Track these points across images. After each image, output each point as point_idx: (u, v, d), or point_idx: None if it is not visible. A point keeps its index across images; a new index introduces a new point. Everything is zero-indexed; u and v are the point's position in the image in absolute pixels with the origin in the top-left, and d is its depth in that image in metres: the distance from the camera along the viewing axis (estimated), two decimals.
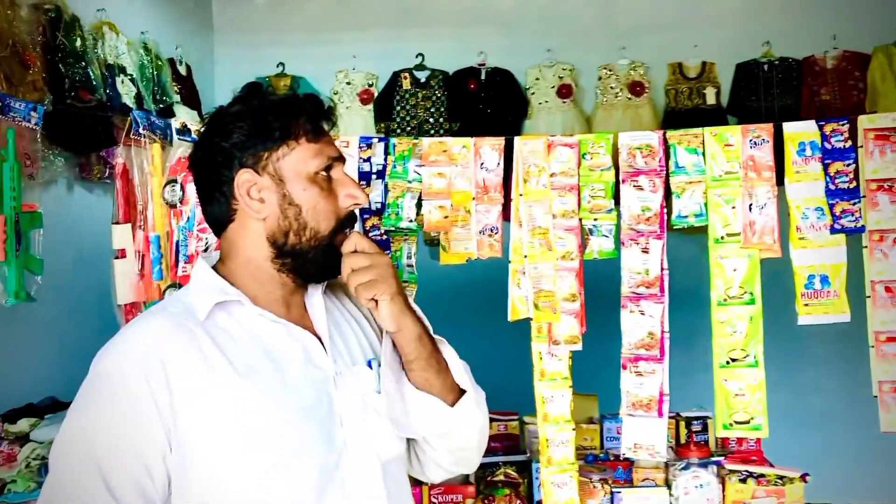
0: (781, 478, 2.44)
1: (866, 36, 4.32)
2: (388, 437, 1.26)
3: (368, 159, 2.22)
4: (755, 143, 2.13)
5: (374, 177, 2.22)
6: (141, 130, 2.01)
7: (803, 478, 2.44)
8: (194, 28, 4.68)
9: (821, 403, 4.48)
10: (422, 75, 4.63)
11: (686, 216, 2.14)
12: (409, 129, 4.55)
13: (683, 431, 2.64)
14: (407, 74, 4.62)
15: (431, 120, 4.57)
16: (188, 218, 2.00)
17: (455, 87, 4.61)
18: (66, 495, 1.10)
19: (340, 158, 1.28)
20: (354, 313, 1.37)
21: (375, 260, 1.23)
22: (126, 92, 3.52)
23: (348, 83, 4.67)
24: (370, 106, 4.65)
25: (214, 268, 1.27)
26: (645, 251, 2.12)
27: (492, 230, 2.20)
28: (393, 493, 1.25)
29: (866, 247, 2.10)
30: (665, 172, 2.15)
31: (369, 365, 1.29)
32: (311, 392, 1.20)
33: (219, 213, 1.26)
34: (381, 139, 2.25)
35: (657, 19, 4.63)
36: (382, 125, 4.60)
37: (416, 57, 4.63)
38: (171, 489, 1.13)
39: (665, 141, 2.16)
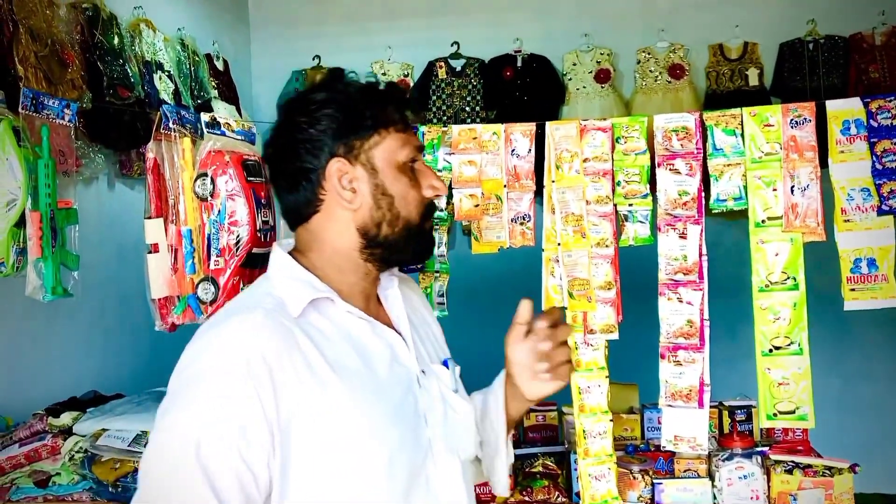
0: (829, 468, 2.36)
1: None
2: (467, 437, 1.28)
3: None
4: (797, 123, 2.05)
5: None
6: (171, 125, 2.01)
7: (852, 468, 2.36)
8: (231, 23, 4.70)
9: (871, 391, 4.35)
10: (457, 64, 4.60)
11: (725, 200, 2.08)
12: (445, 118, 4.52)
13: (727, 421, 2.57)
14: (442, 63, 4.59)
15: (468, 109, 4.54)
16: (219, 211, 1.99)
17: (491, 74, 4.57)
18: (170, 498, 1.05)
19: (422, 148, 1.30)
20: (422, 312, 1.39)
21: None
22: (164, 88, 3.55)
23: (384, 74, 4.65)
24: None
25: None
26: (682, 237, 2.06)
27: (524, 218, 2.16)
28: (468, 494, 1.26)
29: None
30: (702, 155, 2.09)
31: (445, 364, 1.30)
32: (398, 391, 1.19)
33: (302, 202, 1.23)
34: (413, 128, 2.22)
35: (696, 0, 4.53)
36: (420, 115, 4.58)
37: (451, 45, 4.60)
38: (270, 492, 1.10)
39: (702, 122, 2.09)
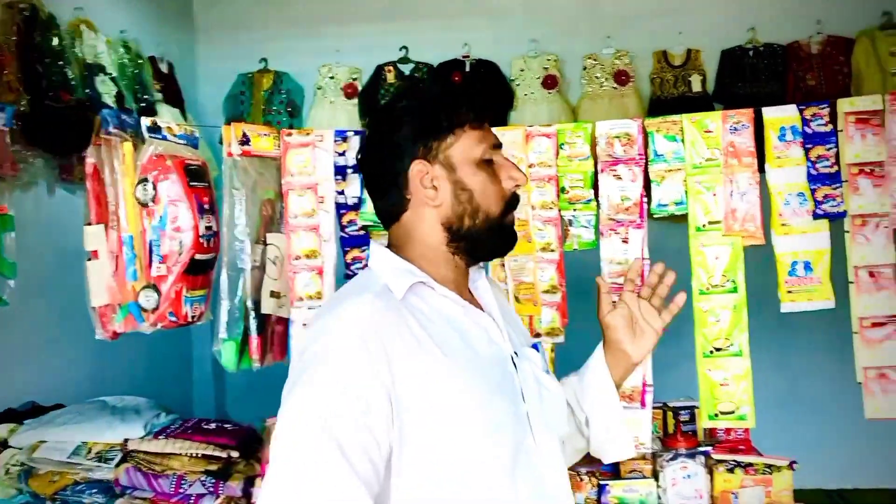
0: (769, 466, 2.42)
1: (850, 21, 4.30)
2: (560, 415, 1.38)
3: (344, 153, 2.19)
4: (735, 129, 2.10)
5: (349, 171, 2.19)
6: (111, 129, 1.97)
7: (791, 466, 2.42)
8: (175, 25, 4.64)
9: (810, 390, 4.47)
10: (406, 68, 4.60)
11: (666, 205, 2.12)
12: None
13: (671, 422, 2.61)
14: (391, 68, 4.59)
15: None
16: (161, 217, 1.97)
17: (439, 79, 4.58)
18: (308, 468, 1.10)
19: (499, 144, 1.34)
20: (504, 303, 1.46)
21: None
22: (106, 91, 3.48)
23: (332, 78, 4.63)
24: (355, 100, 4.62)
25: None
26: (625, 241, 2.10)
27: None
28: (564, 469, 1.34)
29: (848, 232, 2.08)
30: (644, 161, 2.12)
31: (535, 348, 1.38)
32: (497, 369, 1.27)
33: (392, 203, 1.32)
34: (356, 132, 2.21)
35: (641, 7, 4.60)
36: (368, 120, 4.57)
37: (400, 50, 4.60)
38: (388, 463, 1.16)
39: (644, 129, 2.13)
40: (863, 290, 2.07)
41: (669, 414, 2.62)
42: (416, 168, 1.28)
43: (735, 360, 2.09)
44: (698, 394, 2.16)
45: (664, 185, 2.11)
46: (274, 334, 2.19)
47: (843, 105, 2.09)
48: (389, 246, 1.35)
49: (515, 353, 1.31)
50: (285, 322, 2.19)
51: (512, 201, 1.34)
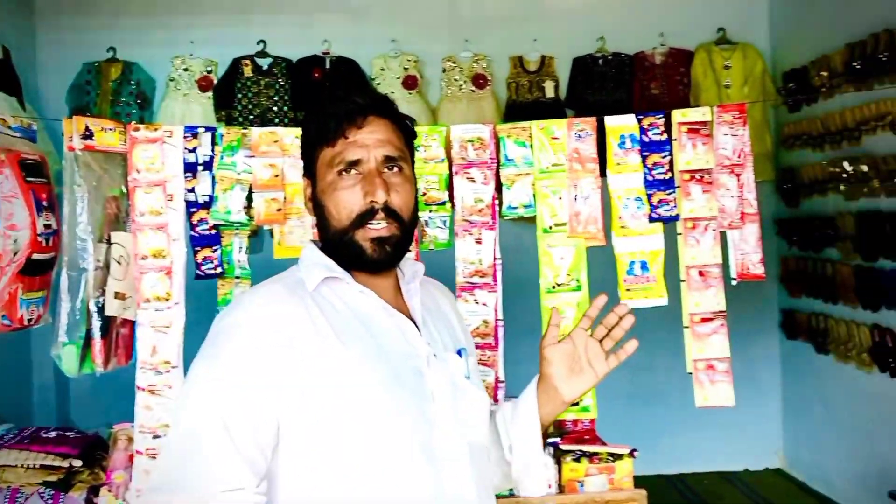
0: (612, 455, 2.56)
1: (690, 34, 4.59)
2: (475, 421, 1.36)
3: (194, 150, 2.14)
4: (580, 136, 2.21)
5: (200, 168, 2.14)
6: None
7: (632, 454, 2.57)
8: (13, 8, 4.34)
9: (653, 382, 4.74)
10: (264, 63, 4.52)
11: (516, 207, 2.20)
12: (251, 117, 4.43)
13: None
14: (248, 62, 4.49)
15: (276, 108, 4.47)
16: None
17: (299, 75, 4.53)
18: (191, 442, 1.15)
19: (362, 160, 1.31)
20: (445, 309, 1.48)
21: None
22: None
23: (185, 70, 4.48)
24: (210, 93, 4.49)
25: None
26: (478, 242, 2.17)
27: None
28: (476, 476, 1.32)
29: (681, 234, 2.24)
30: (496, 164, 2.20)
31: (459, 353, 1.39)
32: (404, 366, 1.28)
33: None
34: (207, 129, 2.17)
35: (498, 13, 4.73)
36: (223, 113, 4.45)
37: (258, 44, 4.51)
38: (277, 445, 1.19)
39: (495, 134, 2.20)
40: (693, 287, 2.23)
41: None
42: (303, 183, 1.38)
43: None
44: None
45: (514, 188, 2.19)
46: (119, 337, 2.11)
47: (677, 116, 2.24)
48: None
49: (434, 356, 1.33)
50: (131, 324, 2.12)
51: (363, 215, 1.32)
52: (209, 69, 4.51)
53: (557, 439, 2.59)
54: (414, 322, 1.35)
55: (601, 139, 2.24)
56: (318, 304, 1.26)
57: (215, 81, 4.50)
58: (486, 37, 4.66)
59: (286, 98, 4.50)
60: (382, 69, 4.60)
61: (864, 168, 3.75)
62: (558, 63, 4.66)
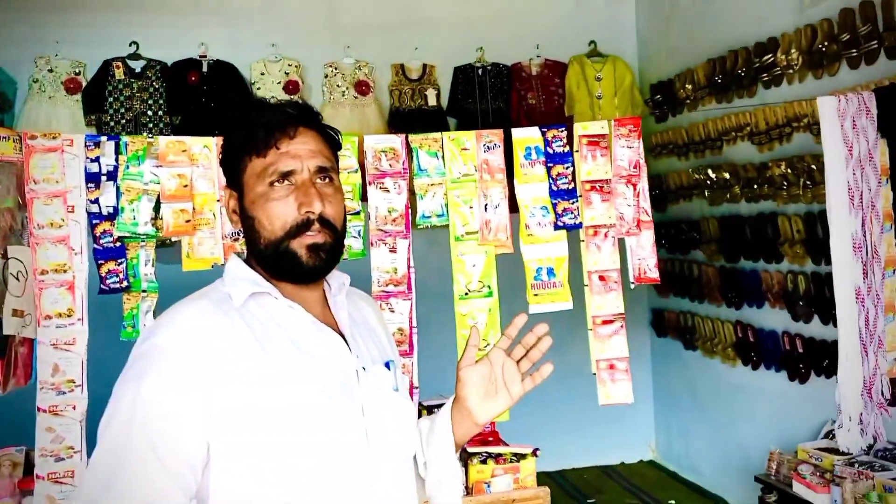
0: (516, 455, 2.65)
1: (564, 46, 4.79)
2: (404, 433, 1.35)
3: (97, 159, 2.04)
4: (489, 148, 2.28)
5: (104, 178, 2.05)
6: None
7: (534, 452, 2.68)
8: None
9: (557, 383, 4.90)
10: (137, 65, 4.33)
11: (429, 216, 2.25)
12: (124, 121, 4.24)
13: None
14: (120, 64, 4.29)
15: (150, 113, 4.30)
16: None
17: (174, 79, 4.38)
18: (117, 462, 1.12)
19: (295, 171, 1.29)
20: (371, 321, 1.47)
21: None
22: None
23: (51, 70, 4.24)
24: (78, 96, 4.26)
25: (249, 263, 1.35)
26: (393, 251, 2.19)
27: (239, 234, 2.13)
28: (406, 489, 1.34)
29: (583, 241, 2.35)
30: (409, 175, 2.23)
31: (387, 366, 1.38)
32: (334, 381, 1.27)
33: None
34: (110, 138, 2.08)
35: (379, 20, 4.76)
36: (93, 117, 4.24)
37: (130, 45, 4.32)
38: (207, 464, 1.17)
39: (408, 144, 2.24)
40: (595, 292, 2.35)
41: (424, 413, 2.77)
42: (225, 193, 1.35)
43: None
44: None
45: (427, 197, 2.24)
46: (17, 357, 1.98)
47: (578, 128, 2.35)
48: (247, 257, 1.37)
49: (363, 369, 1.32)
50: (30, 343, 2.00)
51: (299, 227, 1.30)
52: (77, 71, 4.29)
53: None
54: (342, 336, 1.34)
55: (508, 150, 2.32)
56: (245, 320, 1.24)
57: (84, 84, 4.28)
58: (366, 43, 4.68)
59: (161, 102, 4.34)
60: (262, 73, 4.53)
61: (726, 175, 4.05)
62: (439, 72, 4.74)
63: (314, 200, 1.28)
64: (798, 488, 3.11)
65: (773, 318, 3.85)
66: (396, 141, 2.22)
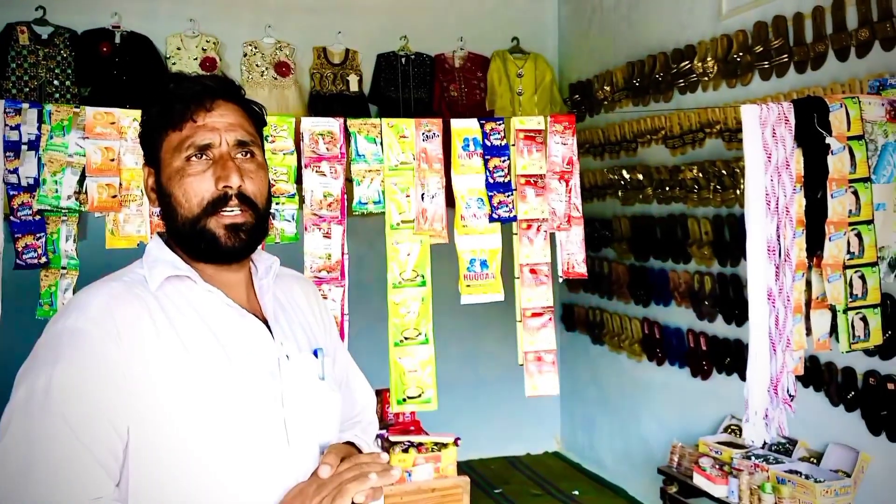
0: (437, 444, 2.67)
1: (487, 41, 4.83)
2: (327, 424, 1.32)
3: (17, 127, 1.92)
4: (427, 137, 2.28)
5: (24, 148, 1.93)
6: None
7: (455, 442, 2.70)
8: None
9: (484, 372, 4.98)
10: (43, 31, 4.11)
11: (366, 203, 2.22)
12: (27, 89, 4.02)
13: None
14: (24, 28, 4.06)
15: (56, 82, 4.09)
16: None
17: (84, 48, 4.18)
18: (34, 450, 1.07)
19: (213, 144, 1.24)
20: (301, 304, 1.41)
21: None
22: None
23: None
24: None
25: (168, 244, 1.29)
26: (327, 236, 2.16)
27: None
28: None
29: (516, 234, 2.38)
30: (346, 160, 2.20)
31: (315, 354, 1.33)
32: (253, 370, 1.23)
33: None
34: (32, 105, 1.96)
35: (303, 1, 4.67)
36: None
37: (36, 10, 4.09)
38: (126, 451, 1.13)
39: (346, 129, 2.21)
40: (526, 284, 2.38)
41: None
42: (144, 171, 1.30)
43: (422, 347, 2.27)
44: (388, 380, 2.31)
45: (364, 183, 2.21)
46: None
47: (515, 122, 2.38)
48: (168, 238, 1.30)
49: (286, 357, 1.28)
50: None
51: (216, 202, 1.24)
52: None
53: (384, 431, 2.65)
54: (266, 322, 1.30)
55: (447, 140, 2.32)
56: (161, 305, 1.20)
57: None
58: (289, 24, 4.60)
59: (69, 72, 4.14)
60: (179, 48, 4.38)
61: (640, 176, 4.18)
62: (362, 58, 4.70)
63: (232, 174, 1.23)
64: (698, 480, 3.25)
65: (678, 316, 4.00)
66: (335, 124, 2.18)
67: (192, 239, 1.23)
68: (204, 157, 1.22)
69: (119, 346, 1.13)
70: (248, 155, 1.26)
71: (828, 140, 2.30)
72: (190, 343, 1.18)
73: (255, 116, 1.31)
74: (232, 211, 1.23)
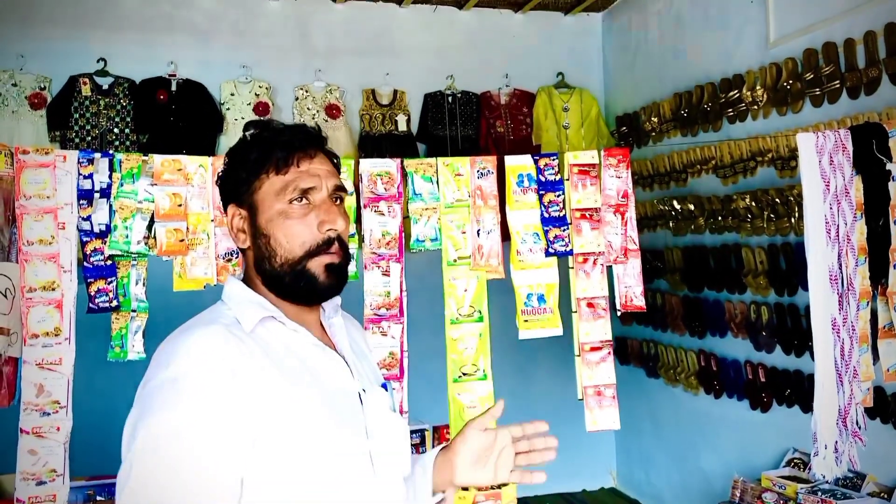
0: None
1: (532, 77, 4.88)
2: (405, 454, 1.39)
3: (90, 176, 2.00)
4: (482, 174, 2.31)
5: (97, 195, 2.01)
6: None
7: None
8: None
9: (539, 408, 4.93)
10: (104, 82, 4.27)
11: (423, 240, 2.25)
12: (89, 138, 4.16)
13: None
14: (87, 80, 4.22)
15: (116, 130, 4.23)
16: None
17: (142, 97, 4.32)
18: (167, 489, 1.09)
19: (315, 188, 1.31)
20: (360, 343, 1.48)
21: None
22: None
23: (15, 85, 4.14)
24: (42, 111, 4.16)
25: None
26: (386, 274, 2.19)
27: (233, 254, 2.11)
28: None
29: (572, 268, 2.39)
30: (403, 199, 2.24)
31: (384, 387, 1.40)
32: (343, 403, 1.29)
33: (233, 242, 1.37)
34: (104, 154, 2.04)
35: (351, 45, 4.78)
36: (57, 133, 4.15)
37: (98, 62, 4.26)
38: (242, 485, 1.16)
39: (403, 168, 2.25)
40: (583, 318, 2.38)
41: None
42: (230, 211, 1.34)
43: (480, 383, 2.28)
44: (447, 416, 2.32)
45: (421, 222, 2.24)
46: (1, 377, 1.92)
47: (569, 158, 2.39)
48: (245, 279, 1.35)
49: (364, 391, 1.33)
50: (15, 362, 1.93)
51: (321, 246, 1.31)
52: (42, 86, 4.20)
53: None
54: (343, 358, 1.35)
55: (500, 177, 2.35)
56: (258, 344, 1.23)
57: (49, 99, 4.19)
58: (337, 68, 4.70)
59: (128, 120, 4.28)
60: (232, 94, 4.50)
61: (691, 206, 4.15)
62: (410, 98, 4.78)
63: (338, 218, 1.31)
64: None
65: (735, 348, 3.94)
66: (392, 165, 2.23)
67: (290, 279, 1.29)
68: (304, 200, 1.29)
69: (232, 391, 1.15)
70: (339, 201, 1.33)
71: (888, 166, 2.27)
72: (295, 382, 1.23)
73: (336, 165, 1.39)
74: (331, 253, 1.29)
